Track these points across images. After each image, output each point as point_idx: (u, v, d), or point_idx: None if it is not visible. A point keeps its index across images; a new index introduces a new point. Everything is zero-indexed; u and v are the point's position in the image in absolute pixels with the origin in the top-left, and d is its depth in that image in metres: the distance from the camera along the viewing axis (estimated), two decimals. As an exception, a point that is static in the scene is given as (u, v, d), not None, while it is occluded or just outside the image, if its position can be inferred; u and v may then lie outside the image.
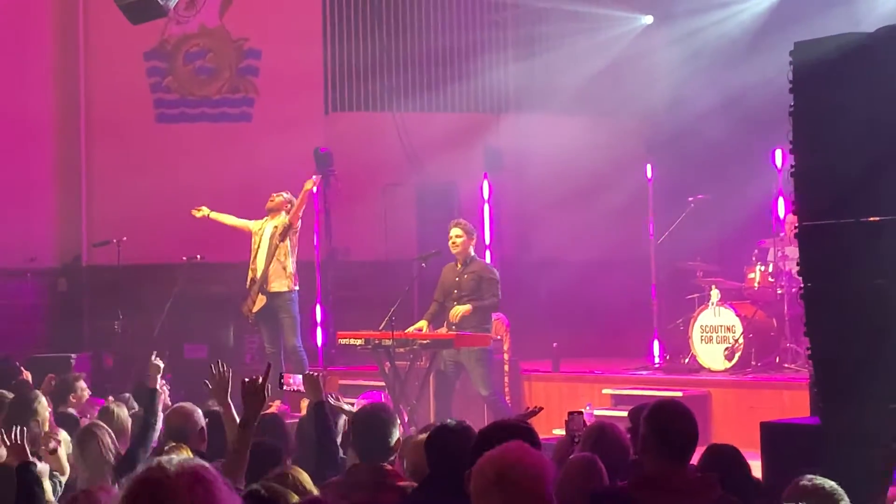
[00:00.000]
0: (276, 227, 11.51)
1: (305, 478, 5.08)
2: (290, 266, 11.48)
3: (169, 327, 12.44)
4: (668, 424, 4.83)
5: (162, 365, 7.13)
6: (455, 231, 10.42)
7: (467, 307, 10.16)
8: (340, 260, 13.92)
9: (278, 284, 11.45)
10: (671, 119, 13.66)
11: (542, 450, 4.56)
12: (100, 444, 6.81)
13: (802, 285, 6.24)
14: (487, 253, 13.10)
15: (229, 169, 13.81)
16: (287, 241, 11.47)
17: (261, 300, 11.50)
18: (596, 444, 5.81)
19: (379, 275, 13.65)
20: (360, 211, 14.08)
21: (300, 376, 7.12)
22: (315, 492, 5.05)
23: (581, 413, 6.43)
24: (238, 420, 5.72)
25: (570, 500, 4.91)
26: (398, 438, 5.87)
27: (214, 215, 11.80)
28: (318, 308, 13.21)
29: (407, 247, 13.76)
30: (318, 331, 13.06)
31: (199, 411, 6.56)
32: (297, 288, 11.58)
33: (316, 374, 6.98)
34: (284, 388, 7.48)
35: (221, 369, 6.18)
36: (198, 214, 11.77)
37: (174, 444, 6.12)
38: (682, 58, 13.72)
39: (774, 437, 6.57)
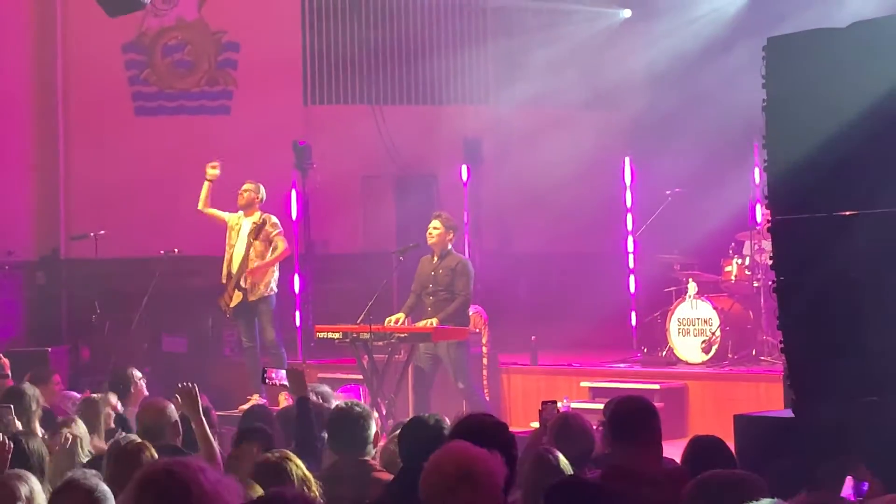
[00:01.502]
0: (254, 223, 11.46)
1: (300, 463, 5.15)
2: (272, 274, 11.49)
3: (147, 320, 12.43)
4: (624, 412, 4.98)
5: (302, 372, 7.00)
6: (434, 223, 10.44)
7: (434, 321, 10.18)
8: (319, 253, 13.92)
9: (259, 287, 11.44)
10: (650, 112, 13.70)
11: (516, 444, 4.61)
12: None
13: (775, 279, 6.28)
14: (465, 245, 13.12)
15: (208, 162, 13.76)
16: (268, 245, 11.41)
17: (237, 296, 11.47)
18: (560, 435, 5.85)
19: (357, 268, 13.65)
20: (338, 203, 14.08)
21: (283, 371, 7.13)
22: (310, 477, 5.12)
23: (555, 402, 6.47)
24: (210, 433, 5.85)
25: (528, 492, 4.97)
26: (375, 432, 5.90)
27: (205, 195, 11.68)
28: (296, 301, 13.20)
29: (386, 239, 13.77)
30: (297, 315, 13.00)
31: (172, 406, 6.57)
32: (275, 289, 11.59)
33: (300, 368, 7.00)
34: (267, 382, 7.49)
35: (188, 387, 6.24)
36: (212, 171, 11.61)
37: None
38: (660, 51, 13.76)
39: (747, 429, 6.62)
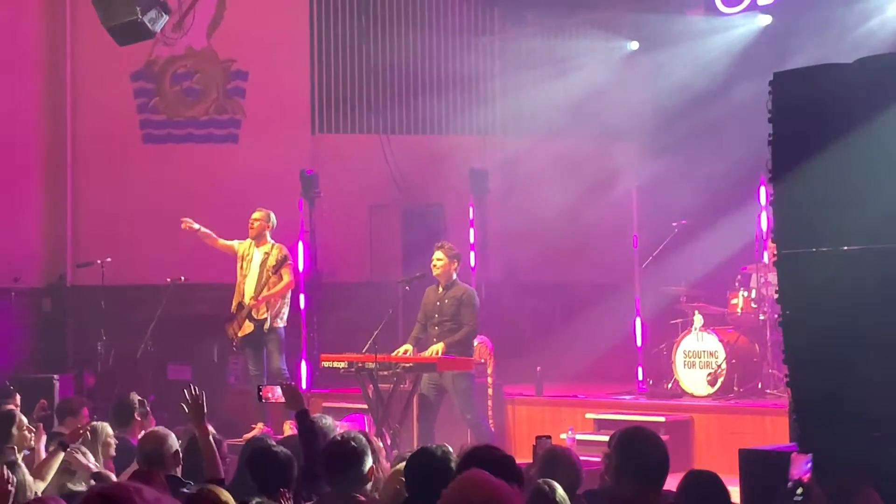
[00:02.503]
0: (266, 254, 11.49)
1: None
2: (283, 306, 11.53)
3: (152, 348, 12.43)
4: (639, 451, 4.88)
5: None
6: (437, 254, 10.46)
7: (441, 346, 10.19)
8: (325, 281, 13.93)
9: (273, 319, 11.48)
10: (657, 144, 13.72)
11: (523, 476, 4.60)
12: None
13: (781, 312, 6.27)
14: (472, 275, 13.12)
15: (215, 190, 13.83)
16: (280, 277, 11.47)
17: (248, 326, 11.52)
18: (546, 468, 5.83)
19: (364, 297, 13.64)
20: (345, 232, 14.11)
21: (278, 388, 7.12)
22: None
23: (549, 437, 6.44)
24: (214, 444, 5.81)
25: None
26: (371, 467, 5.87)
27: (202, 232, 11.75)
28: (302, 329, 13.20)
29: (392, 269, 13.78)
30: (303, 344, 13.02)
31: (173, 435, 6.57)
32: (286, 321, 11.65)
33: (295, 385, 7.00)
34: (263, 400, 7.48)
35: (195, 394, 6.23)
36: (184, 226, 11.71)
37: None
38: (668, 83, 13.78)
39: (752, 463, 6.60)
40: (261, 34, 14.55)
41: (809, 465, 4.89)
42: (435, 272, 10.47)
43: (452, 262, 10.47)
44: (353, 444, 5.84)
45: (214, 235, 11.77)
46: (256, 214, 11.62)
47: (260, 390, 7.35)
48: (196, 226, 11.68)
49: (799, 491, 5.38)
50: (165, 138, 14.60)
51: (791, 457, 5.98)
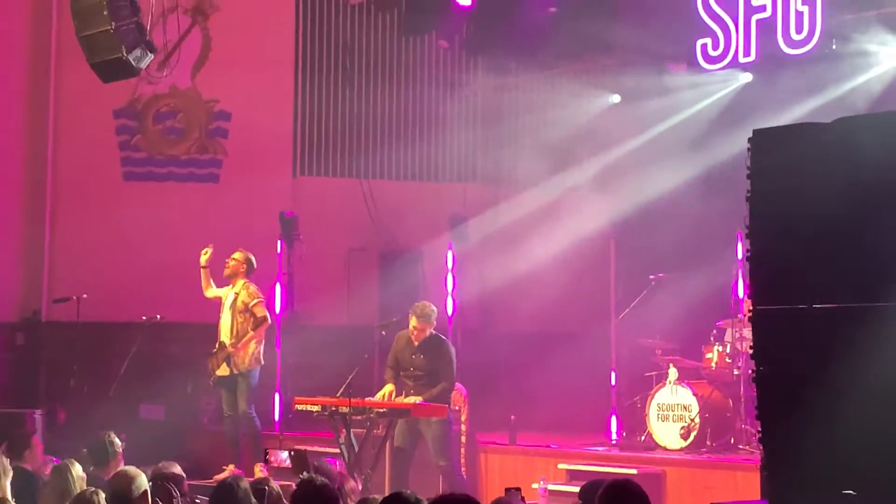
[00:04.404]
0: (236, 294, 11.52)
1: None
2: (255, 346, 11.53)
3: (126, 386, 12.36)
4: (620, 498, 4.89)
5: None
6: (412, 321, 10.52)
7: (418, 400, 10.21)
8: (302, 324, 13.90)
9: (243, 361, 11.46)
10: (635, 197, 13.78)
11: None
12: None
13: (755, 368, 6.30)
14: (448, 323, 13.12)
15: (195, 229, 13.80)
16: (249, 316, 11.46)
17: (224, 369, 11.50)
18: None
19: (340, 340, 13.60)
20: (323, 275, 14.09)
21: (284, 453, 7.12)
22: None
23: (518, 490, 6.43)
24: None
25: None
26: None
27: (206, 272, 11.72)
28: (277, 371, 13.17)
29: (369, 313, 13.76)
30: (277, 386, 12.99)
31: (143, 476, 6.53)
32: (262, 360, 11.63)
33: (303, 449, 6.96)
34: (269, 462, 7.47)
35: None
36: (204, 258, 11.64)
37: None
38: (648, 136, 13.88)
39: (724, 518, 6.60)
40: (245, 75, 14.59)
41: None
42: (412, 336, 10.54)
43: (426, 327, 10.53)
44: (324, 493, 5.82)
45: (212, 283, 11.74)
46: (234, 255, 11.64)
47: (267, 453, 7.32)
48: (207, 260, 11.61)
49: None
50: (146, 176, 14.60)
51: None
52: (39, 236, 14.25)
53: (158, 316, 12.37)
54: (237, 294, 11.49)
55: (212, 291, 11.77)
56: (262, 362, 11.69)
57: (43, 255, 14.22)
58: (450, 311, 13.25)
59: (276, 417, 12.68)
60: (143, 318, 12.41)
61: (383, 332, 10.94)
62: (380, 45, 15.43)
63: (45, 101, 14.31)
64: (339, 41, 15.31)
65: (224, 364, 11.48)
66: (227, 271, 11.62)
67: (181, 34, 13.79)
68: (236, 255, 11.63)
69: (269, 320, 11.74)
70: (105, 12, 9.99)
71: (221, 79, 14.70)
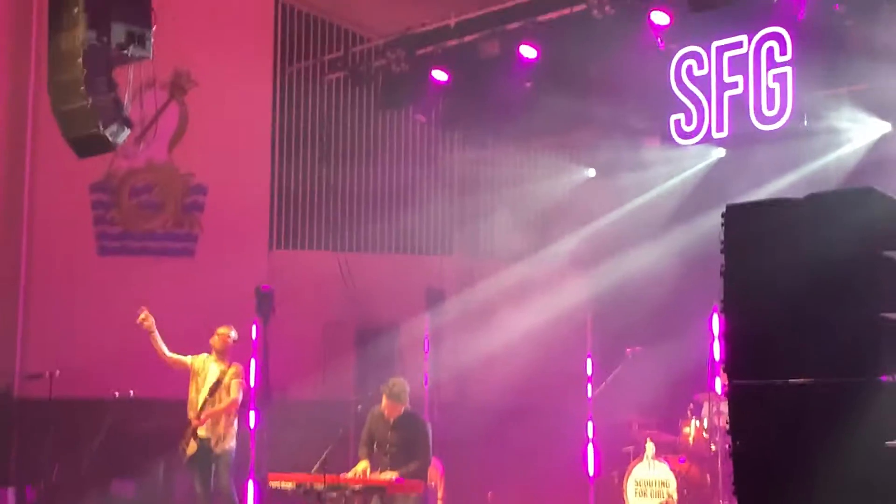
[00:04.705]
0: (223, 371, 11.41)
1: None
2: (234, 425, 11.43)
3: (98, 463, 12.22)
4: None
5: None
6: (383, 401, 10.47)
7: (394, 475, 10.14)
8: (276, 399, 13.79)
9: (222, 439, 11.34)
10: (611, 270, 13.81)
11: None
12: None
13: (731, 443, 6.27)
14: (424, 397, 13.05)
15: (170, 304, 13.72)
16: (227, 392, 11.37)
17: (192, 445, 11.36)
18: None
19: (315, 415, 13.51)
20: (299, 349, 14.02)
21: None
22: None
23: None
24: None
25: None
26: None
27: (154, 337, 11.55)
28: (251, 447, 13.04)
29: (345, 387, 13.69)
30: (251, 462, 12.86)
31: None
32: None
33: None
34: None
35: None
36: (141, 320, 11.43)
37: None
38: (624, 211, 13.95)
39: None
40: (222, 149, 14.62)
41: None
42: (385, 412, 10.49)
43: (399, 402, 10.48)
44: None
45: (164, 347, 11.62)
46: (224, 330, 11.54)
47: None
48: (152, 325, 11.45)
49: None
50: (121, 250, 14.55)
51: None
52: (13, 311, 14.15)
53: (131, 392, 12.26)
54: (224, 372, 11.39)
55: (175, 356, 11.54)
56: (235, 441, 11.57)
57: (16, 331, 14.11)
58: (425, 393, 13.16)
59: (251, 500, 12.52)
60: (116, 394, 12.29)
61: (360, 408, 10.89)
62: (356, 119, 15.52)
63: (21, 175, 14.29)
64: (317, 115, 15.39)
65: (192, 441, 11.33)
66: (219, 345, 11.50)
67: (158, 109, 13.82)
68: (225, 330, 11.53)
69: (239, 402, 11.62)
70: (82, 87, 9.99)
71: (198, 153, 14.73)
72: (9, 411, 13.97)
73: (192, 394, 11.47)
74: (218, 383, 11.36)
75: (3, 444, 13.85)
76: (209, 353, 11.59)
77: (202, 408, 11.30)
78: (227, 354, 11.51)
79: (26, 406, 13.72)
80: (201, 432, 11.30)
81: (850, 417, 5.85)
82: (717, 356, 11.36)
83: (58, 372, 12.40)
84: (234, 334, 11.56)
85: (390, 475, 10.16)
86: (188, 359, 11.59)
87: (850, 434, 5.86)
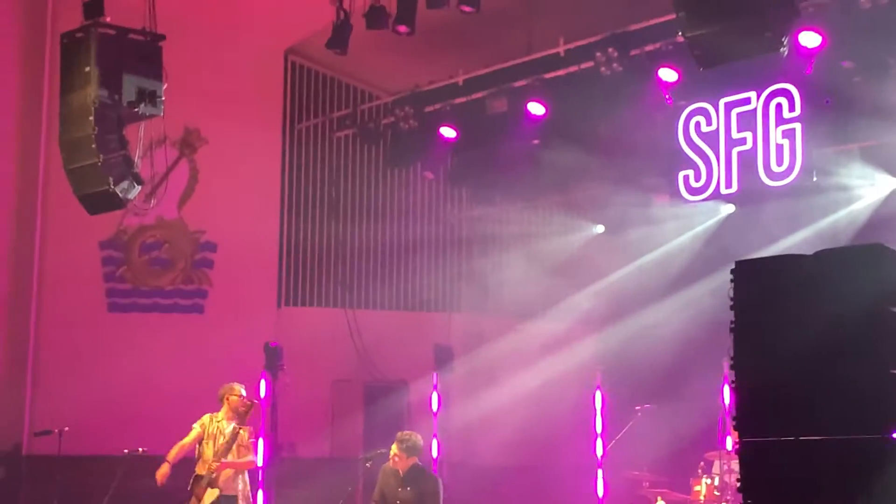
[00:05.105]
0: (239, 431, 11.27)
1: None
2: (245, 481, 11.37)
3: (106, 521, 12.15)
4: None
5: None
6: (394, 449, 10.42)
7: None
8: (285, 456, 13.74)
9: (241, 496, 11.26)
10: (621, 327, 13.79)
11: None
12: None
13: (743, 501, 6.23)
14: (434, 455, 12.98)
15: (179, 360, 13.74)
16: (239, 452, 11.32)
17: (211, 493, 11.25)
18: None
19: (323, 472, 13.46)
20: (307, 406, 13.98)
21: None
22: None
23: None
24: None
25: None
26: None
27: (174, 461, 11.43)
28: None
29: (353, 444, 13.65)
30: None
31: None
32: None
33: None
34: None
35: None
36: (161, 475, 11.38)
37: None
38: (634, 267, 13.94)
39: None
40: (231, 206, 14.68)
41: None
42: (392, 464, 10.43)
43: (411, 456, 10.42)
44: None
45: (175, 453, 11.42)
46: (239, 389, 11.41)
47: None
48: (167, 468, 11.34)
49: None
50: (130, 307, 14.57)
51: None
52: (22, 368, 14.15)
53: (141, 449, 12.19)
54: (238, 433, 11.30)
55: (188, 440, 11.41)
56: None
57: (25, 387, 14.10)
58: (435, 452, 13.10)
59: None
60: (125, 451, 12.23)
61: (368, 465, 10.82)
62: (365, 176, 15.58)
63: (32, 232, 14.34)
64: (325, 172, 15.46)
65: (209, 489, 11.24)
66: (242, 409, 11.36)
67: (169, 166, 13.93)
68: (241, 389, 11.42)
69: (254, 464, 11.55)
70: (93, 145, 10.07)
71: (208, 210, 14.79)
72: (18, 468, 13.94)
73: (206, 452, 11.37)
74: (235, 439, 11.27)
75: (12, 500, 13.79)
76: (214, 412, 11.51)
77: (215, 458, 11.20)
78: (237, 413, 11.45)
79: (35, 462, 13.68)
80: (220, 486, 11.20)
81: (861, 475, 5.82)
82: (726, 413, 11.30)
83: (66, 428, 12.34)
84: (244, 391, 11.51)
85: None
86: (196, 430, 11.42)
87: (862, 492, 5.83)
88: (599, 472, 12.31)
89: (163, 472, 11.19)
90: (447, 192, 15.77)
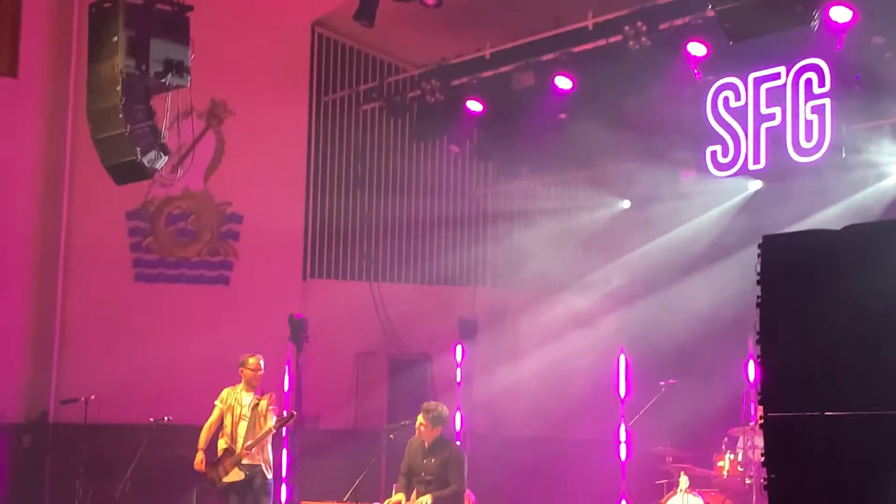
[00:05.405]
0: (259, 403, 11.38)
1: None
2: (268, 448, 11.43)
3: (131, 489, 12.23)
4: None
5: None
6: (420, 419, 10.47)
7: (428, 498, 10.12)
8: (309, 427, 13.81)
9: (263, 466, 11.33)
10: (645, 301, 13.76)
11: None
12: None
13: (766, 477, 6.22)
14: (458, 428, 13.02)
15: (204, 331, 13.80)
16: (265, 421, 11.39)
17: (236, 473, 11.34)
18: None
19: (347, 444, 13.53)
20: (331, 378, 14.05)
21: None
22: None
23: None
24: None
25: None
26: None
27: (206, 444, 11.52)
28: (284, 475, 13.05)
29: (377, 417, 13.70)
30: (283, 490, 12.86)
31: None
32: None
33: None
34: None
35: None
36: (198, 463, 11.46)
37: None
38: (660, 242, 13.90)
39: None
40: (258, 178, 14.71)
41: None
42: (418, 434, 10.47)
43: (435, 428, 10.46)
44: None
45: (205, 438, 11.51)
46: (254, 361, 11.48)
47: None
48: (201, 455, 11.43)
49: None
50: (157, 277, 14.63)
51: None
52: (49, 337, 14.23)
53: (166, 418, 12.28)
54: (258, 399, 11.40)
55: (213, 418, 11.53)
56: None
57: (52, 356, 14.19)
58: (458, 425, 13.13)
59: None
60: (151, 419, 12.32)
61: (392, 437, 10.87)
62: (391, 150, 15.57)
63: (59, 202, 14.39)
64: (352, 145, 15.46)
65: (236, 468, 11.34)
66: (256, 380, 11.45)
67: (195, 137, 13.96)
68: (259, 361, 11.49)
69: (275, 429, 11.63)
70: (120, 115, 10.11)
71: (234, 181, 14.82)
72: (44, 436, 14.04)
73: (227, 424, 11.45)
74: (256, 410, 11.36)
75: (38, 468, 13.90)
76: (233, 385, 11.57)
77: (246, 436, 11.28)
78: (258, 383, 11.52)
79: (61, 431, 13.78)
80: (246, 460, 11.29)
81: (887, 451, 5.79)
82: (751, 388, 11.28)
83: (93, 397, 12.44)
84: (262, 363, 11.57)
85: (425, 499, 10.12)
86: (218, 408, 11.51)
87: (887, 468, 5.81)
88: (622, 446, 12.33)
89: (199, 460, 11.33)
90: (473, 166, 15.75)
